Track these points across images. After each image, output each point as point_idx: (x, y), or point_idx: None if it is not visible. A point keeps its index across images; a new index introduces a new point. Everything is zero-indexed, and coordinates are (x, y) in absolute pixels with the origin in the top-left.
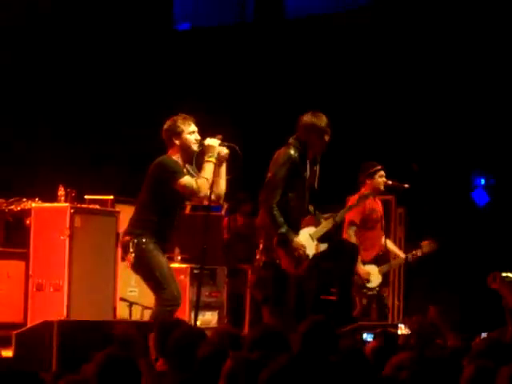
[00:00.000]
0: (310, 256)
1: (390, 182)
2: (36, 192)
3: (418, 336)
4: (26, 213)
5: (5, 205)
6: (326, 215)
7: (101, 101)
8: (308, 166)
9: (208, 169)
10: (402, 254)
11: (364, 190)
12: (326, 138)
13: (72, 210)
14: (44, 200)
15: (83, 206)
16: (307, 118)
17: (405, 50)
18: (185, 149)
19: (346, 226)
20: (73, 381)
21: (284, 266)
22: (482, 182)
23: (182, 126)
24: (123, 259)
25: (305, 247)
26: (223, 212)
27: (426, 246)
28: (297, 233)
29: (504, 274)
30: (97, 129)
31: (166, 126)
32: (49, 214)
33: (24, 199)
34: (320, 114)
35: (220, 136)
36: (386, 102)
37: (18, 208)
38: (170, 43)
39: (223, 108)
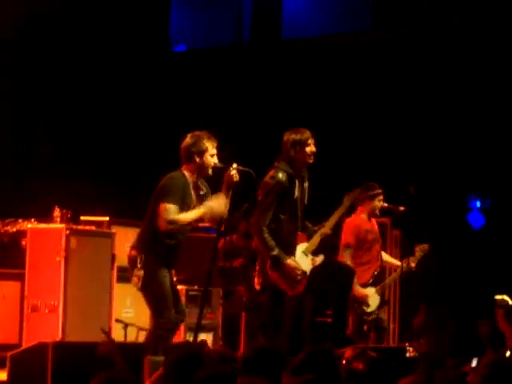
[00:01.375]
0: (308, 272)
1: (386, 205)
2: (32, 213)
3: (426, 359)
4: (22, 234)
5: (0, 226)
6: (315, 227)
7: (97, 122)
8: (297, 185)
9: (194, 213)
10: (398, 262)
11: (361, 209)
12: (308, 149)
13: (68, 231)
14: (40, 221)
15: (79, 227)
16: (286, 135)
17: (402, 71)
18: (201, 168)
19: (341, 248)
20: None
21: (281, 287)
22: (478, 204)
23: (207, 145)
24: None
25: (299, 268)
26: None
27: (418, 249)
28: (292, 254)
29: (499, 297)
30: (93, 150)
31: (189, 141)
32: (44, 235)
33: (20, 220)
34: (299, 128)
35: (235, 164)
36: (383, 124)
37: (14, 229)
38: (166, 65)
39: (219, 129)
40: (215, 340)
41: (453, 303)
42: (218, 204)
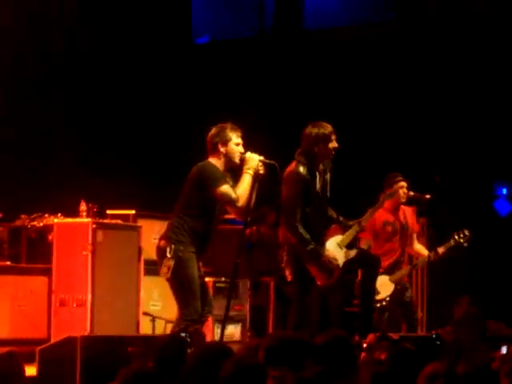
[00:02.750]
0: (341, 264)
1: (412, 194)
2: (58, 207)
3: (453, 346)
4: (49, 228)
5: (27, 221)
6: (351, 222)
7: (122, 115)
8: (318, 178)
9: (246, 180)
10: (425, 253)
11: (388, 202)
12: (332, 144)
13: (94, 226)
14: (66, 215)
15: (105, 221)
16: (309, 129)
17: (426, 60)
18: (228, 158)
19: (361, 243)
20: None
21: (317, 279)
22: (504, 191)
23: (231, 135)
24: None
25: (336, 258)
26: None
27: (456, 238)
28: (322, 246)
29: None
30: (118, 143)
31: (213, 132)
32: (71, 230)
33: (46, 215)
34: (321, 122)
35: (263, 157)
36: (408, 113)
37: (41, 224)
38: (188, 57)
39: (243, 120)
40: (243, 331)
41: (481, 291)
42: (252, 155)
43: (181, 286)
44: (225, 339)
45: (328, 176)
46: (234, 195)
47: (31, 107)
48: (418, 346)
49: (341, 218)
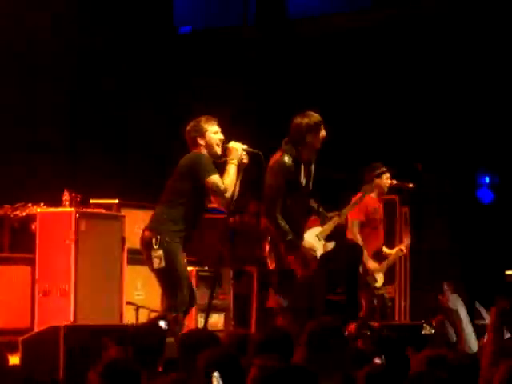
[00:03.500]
0: (319, 256)
1: (395, 182)
2: (41, 197)
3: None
4: (32, 218)
5: (10, 210)
6: (331, 214)
7: (106, 104)
8: (303, 169)
9: (231, 170)
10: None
11: (376, 189)
12: (321, 134)
13: (77, 215)
14: (49, 205)
15: (88, 210)
16: (298, 119)
17: (408, 49)
18: (209, 149)
19: (349, 224)
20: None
21: (295, 270)
22: (487, 180)
23: (206, 126)
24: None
25: (315, 249)
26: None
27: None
28: (301, 237)
29: (510, 272)
30: (102, 133)
31: (189, 127)
32: (54, 219)
33: (29, 204)
34: (310, 112)
35: (246, 146)
36: (390, 101)
37: (24, 213)
38: (171, 46)
39: (225, 111)
40: (227, 320)
41: (464, 279)
42: (235, 145)
43: (169, 276)
44: (208, 328)
45: (312, 167)
46: (222, 186)
47: (15, 96)
48: (403, 334)
49: (321, 210)
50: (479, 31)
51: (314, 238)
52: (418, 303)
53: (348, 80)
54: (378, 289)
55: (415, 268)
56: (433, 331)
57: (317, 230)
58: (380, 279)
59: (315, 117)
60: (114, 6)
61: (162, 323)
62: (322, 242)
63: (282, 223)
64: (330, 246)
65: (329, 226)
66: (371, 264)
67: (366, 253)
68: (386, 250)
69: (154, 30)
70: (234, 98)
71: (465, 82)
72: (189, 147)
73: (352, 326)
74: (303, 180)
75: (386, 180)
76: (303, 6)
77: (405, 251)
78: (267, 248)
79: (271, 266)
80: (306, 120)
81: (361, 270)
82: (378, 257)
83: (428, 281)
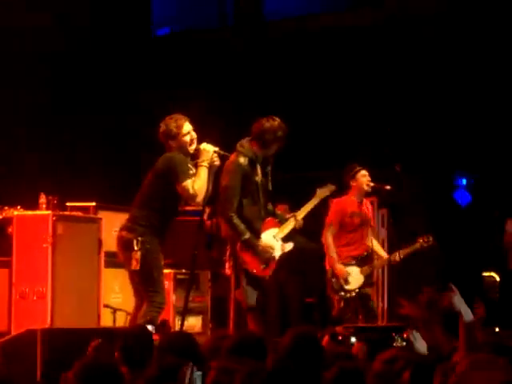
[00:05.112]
0: (277, 257)
1: (372, 184)
2: (17, 200)
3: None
4: (8, 221)
5: None
6: (287, 215)
7: (82, 107)
8: (259, 170)
9: (202, 173)
10: (384, 255)
11: (351, 193)
12: (279, 140)
13: (54, 218)
14: (26, 208)
15: (65, 213)
16: (259, 123)
17: (387, 49)
18: (181, 149)
19: (325, 226)
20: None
21: (252, 268)
22: (464, 182)
23: (176, 129)
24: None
25: (272, 248)
26: (205, 216)
27: (421, 242)
28: (258, 237)
29: (487, 274)
30: (77, 135)
31: (161, 129)
32: (31, 222)
33: (6, 207)
34: (273, 117)
35: (218, 148)
36: (369, 102)
37: (0, 216)
38: (149, 48)
39: (204, 112)
40: (204, 323)
41: (442, 281)
42: (206, 147)
43: (150, 276)
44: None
45: (269, 168)
46: (192, 191)
47: None
48: (384, 335)
49: (278, 212)
50: (458, 34)
51: (271, 239)
52: (396, 305)
53: (326, 80)
54: (348, 291)
55: (393, 269)
56: (404, 344)
57: (273, 231)
58: (355, 281)
59: (278, 119)
60: (92, 8)
61: (150, 327)
62: (280, 242)
63: (238, 223)
64: (288, 247)
65: (286, 228)
66: (338, 267)
67: (334, 256)
68: (380, 251)
69: (132, 33)
70: (209, 99)
71: (443, 84)
72: (165, 148)
73: (326, 339)
74: (259, 181)
75: (362, 178)
76: (279, 7)
77: (394, 262)
78: (228, 252)
79: (228, 271)
80: (268, 124)
81: (329, 273)
82: (366, 260)
83: (405, 283)
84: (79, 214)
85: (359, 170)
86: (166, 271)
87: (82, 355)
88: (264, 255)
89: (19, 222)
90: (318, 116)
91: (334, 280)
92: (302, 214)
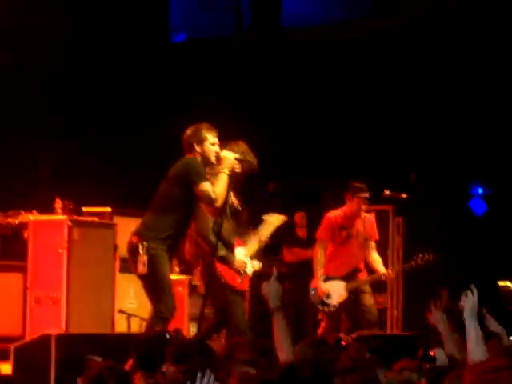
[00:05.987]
0: (250, 274)
1: (388, 193)
2: (34, 205)
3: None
4: (24, 226)
5: (2, 218)
6: (252, 233)
7: (98, 113)
8: (232, 191)
9: (223, 179)
10: (381, 270)
11: (344, 209)
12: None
13: (70, 223)
14: (42, 213)
15: (81, 218)
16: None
17: (400, 59)
18: (204, 157)
19: (316, 241)
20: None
21: (229, 281)
22: (480, 191)
23: (207, 134)
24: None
25: (246, 263)
26: None
27: (421, 259)
28: (232, 253)
29: (502, 283)
30: (93, 141)
31: (189, 132)
32: (46, 227)
33: (22, 212)
34: (239, 141)
35: (238, 155)
36: (385, 110)
37: (16, 221)
38: (166, 55)
39: (222, 120)
40: None
41: (456, 289)
42: (227, 154)
43: (153, 283)
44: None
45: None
46: (213, 195)
47: (5, 102)
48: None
49: (245, 231)
50: (467, 43)
51: (242, 256)
52: (412, 314)
53: (342, 88)
54: (327, 305)
55: (408, 278)
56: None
57: (242, 249)
58: (336, 296)
59: (243, 146)
60: (108, 14)
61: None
62: (248, 260)
63: (214, 240)
64: (256, 265)
65: (252, 246)
66: (318, 285)
67: (318, 273)
68: (378, 265)
69: (149, 39)
70: (226, 105)
71: (459, 94)
72: (184, 152)
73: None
74: (233, 200)
75: (359, 205)
76: (296, 15)
77: (388, 277)
78: (204, 272)
79: (201, 290)
80: (235, 148)
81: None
82: (353, 275)
83: (421, 291)
84: (95, 219)
85: (360, 193)
86: (180, 277)
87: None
88: (240, 271)
89: (35, 226)
90: (335, 124)
91: (312, 293)
92: (263, 234)
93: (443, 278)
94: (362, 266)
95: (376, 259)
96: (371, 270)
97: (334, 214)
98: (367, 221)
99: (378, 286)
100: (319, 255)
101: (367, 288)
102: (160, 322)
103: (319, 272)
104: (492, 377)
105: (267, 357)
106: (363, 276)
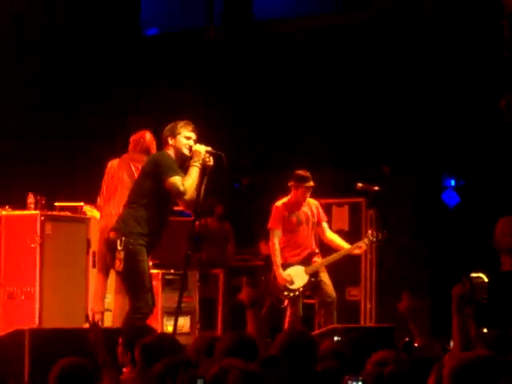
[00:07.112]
0: None
1: (360, 185)
2: (6, 200)
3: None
4: None
5: None
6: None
7: (70, 107)
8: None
9: (193, 173)
10: (345, 246)
11: (290, 197)
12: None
13: (42, 218)
14: (14, 208)
15: (53, 213)
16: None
17: (375, 50)
18: (177, 149)
19: (269, 232)
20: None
21: None
22: (452, 183)
23: (182, 129)
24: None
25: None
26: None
27: (368, 236)
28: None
29: (475, 275)
30: (65, 135)
31: (167, 127)
32: (19, 222)
33: None
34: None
35: (210, 148)
36: (357, 102)
37: None
38: (138, 49)
39: (192, 113)
40: (193, 323)
41: (429, 283)
42: (198, 147)
43: (131, 278)
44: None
45: None
46: (181, 187)
47: None
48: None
49: None
50: (447, 35)
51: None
52: (384, 306)
53: (314, 81)
54: (292, 290)
55: (381, 270)
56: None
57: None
58: (299, 280)
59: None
60: (81, 8)
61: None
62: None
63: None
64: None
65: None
66: (279, 275)
67: (277, 262)
68: (341, 243)
69: (121, 33)
70: (197, 98)
71: (432, 85)
72: (162, 148)
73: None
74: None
75: (303, 194)
76: (268, 8)
77: (361, 251)
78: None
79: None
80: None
81: (273, 274)
82: (310, 259)
83: (394, 283)
84: (67, 213)
85: (305, 182)
86: (154, 271)
87: (69, 355)
88: None
89: (7, 221)
90: (305, 116)
91: (275, 282)
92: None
93: (415, 269)
94: (317, 249)
95: (334, 238)
96: (330, 250)
97: (281, 202)
98: (312, 204)
99: (352, 278)
100: (274, 244)
101: (323, 268)
102: (139, 318)
103: (277, 261)
104: (474, 361)
105: (249, 348)
106: (319, 258)
